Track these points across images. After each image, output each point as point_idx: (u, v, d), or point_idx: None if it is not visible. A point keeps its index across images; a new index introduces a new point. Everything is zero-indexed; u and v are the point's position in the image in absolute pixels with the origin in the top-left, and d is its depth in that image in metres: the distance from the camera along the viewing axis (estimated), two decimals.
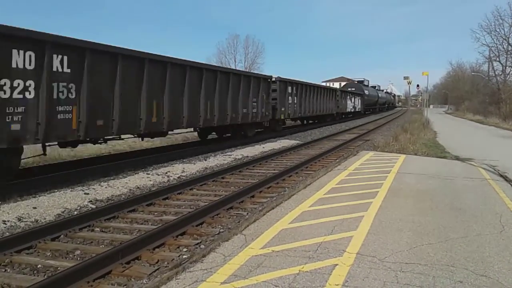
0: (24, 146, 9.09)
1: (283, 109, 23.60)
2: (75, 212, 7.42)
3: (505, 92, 44.74)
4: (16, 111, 8.22)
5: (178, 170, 11.57)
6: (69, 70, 9.41)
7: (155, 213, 7.44)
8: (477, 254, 4.80)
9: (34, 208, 7.39)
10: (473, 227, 5.84)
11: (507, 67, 50.85)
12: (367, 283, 3.99)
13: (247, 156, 14.70)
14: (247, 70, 57.75)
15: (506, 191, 8.27)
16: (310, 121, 33.30)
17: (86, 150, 15.99)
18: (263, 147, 17.39)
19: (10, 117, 8.11)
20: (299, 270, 4.28)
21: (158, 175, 10.83)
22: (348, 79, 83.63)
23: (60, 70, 9.19)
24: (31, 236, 5.80)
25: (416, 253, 4.82)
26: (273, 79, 22.76)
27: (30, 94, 8.49)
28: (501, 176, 10.07)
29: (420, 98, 67.58)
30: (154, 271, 4.83)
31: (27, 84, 8.44)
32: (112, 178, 10.27)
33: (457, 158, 13.46)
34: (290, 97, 24.83)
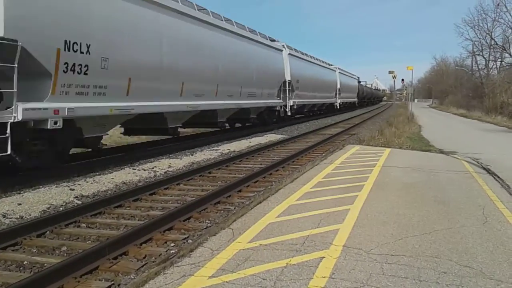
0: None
1: None
2: (61, 208, 7.35)
3: (488, 86, 45.34)
4: None
5: (165, 165, 11.52)
6: None
7: (142, 209, 7.41)
8: (461, 246, 4.88)
9: (19, 204, 7.30)
10: (457, 219, 5.94)
11: (490, 62, 51.67)
12: (354, 275, 4.04)
13: (234, 151, 14.70)
14: None
15: (489, 183, 8.42)
16: None
17: None
18: (250, 142, 17.40)
19: None
20: (287, 263, 4.32)
21: (145, 170, 10.77)
22: None
23: None
24: (17, 233, 5.74)
25: (401, 245, 4.89)
26: None
27: None
28: (484, 168, 10.24)
29: (405, 92, 67.46)
30: (142, 266, 4.82)
31: None
32: (98, 173, 10.20)
33: (441, 151, 13.65)
34: None
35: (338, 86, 44.75)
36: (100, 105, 10.30)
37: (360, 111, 51.75)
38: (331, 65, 44.54)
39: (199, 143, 16.05)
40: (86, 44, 9.63)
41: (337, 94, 44.44)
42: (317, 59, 36.98)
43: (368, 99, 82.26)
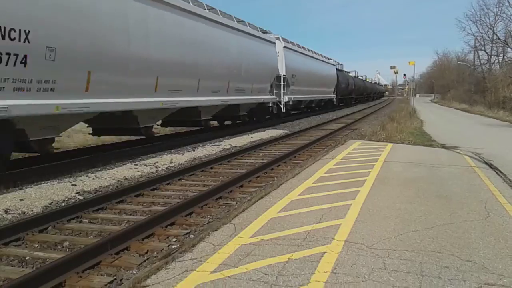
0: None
1: None
2: (63, 204, 7.36)
3: (490, 81, 45.15)
4: None
5: (166, 160, 11.53)
6: None
7: (144, 204, 7.42)
8: (463, 240, 4.88)
9: (21, 200, 7.32)
10: (459, 213, 5.94)
11: (492, 56, 51.48)
12: (355, 270, 4.04)
13: (236, 146, 14.70)
14: None
15: (491, 178, 8.40)
16: None
17: (72, 141, 15.89)
18: (251, 137, 17.40)
19: None
20: (288, 258, 4.32)
21: (146, 165, 10.78)
22: None
23: None
24: (19, 228, 5.75)
25: (403, 240, 4.89)
26: None
27: None
28: (486, 163, 10.22)
29: (407, 87, 66.00)
30: (144, 261, 4.83)
31: None
32: (99, 169, 10.21)
33: (443, 146, 13.62)
34: None
35: (283, 72, 25.14)
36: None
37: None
38: (266, 32, 24.45)
39: (201, 138, 16.04)
40: None
41: (283, 87, 25.08)
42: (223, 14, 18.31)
43: (359, 94, 62.46)
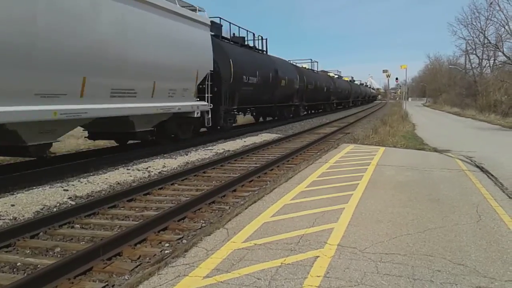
0: None
1: None
2: (55, 209, 7.31)
3: (481, 84, 45.53)
4: None
5: (159, 165, 11.50)
6: None
7: (136, 209, 7.39)
8: (455, 244, 4.90)
9: (12, 205, 7.26)
10: (451, 217, 5.97)
11: (483, 60, 51.89)
12: (348, 274, 4.04)
13: (229, 150, 14.69)
14: None
15: (483, 181, 8.46)
16: None
17: (64, 146, 15.78)
18: (245, 141, 17.40)
19: None
20: (281, 263, 4.32)
21: (139, 170, 10.74)
22: None
23: None
24: (10, 234, 5.70)
25: (395, 243, 4.90)
26: None
27: None
28: (477, 167, 10.29)
29: (399, 91, 65.82)
30: (136, 267, 4.81)
31: None
32: (91, 174, 10.16)
33: (435, 149, 13.70)
34: None
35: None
36: None
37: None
38: None
39: (194, 142, 16.01)
40: None
41: None
42: None
43: (324, 100, 42.50)
